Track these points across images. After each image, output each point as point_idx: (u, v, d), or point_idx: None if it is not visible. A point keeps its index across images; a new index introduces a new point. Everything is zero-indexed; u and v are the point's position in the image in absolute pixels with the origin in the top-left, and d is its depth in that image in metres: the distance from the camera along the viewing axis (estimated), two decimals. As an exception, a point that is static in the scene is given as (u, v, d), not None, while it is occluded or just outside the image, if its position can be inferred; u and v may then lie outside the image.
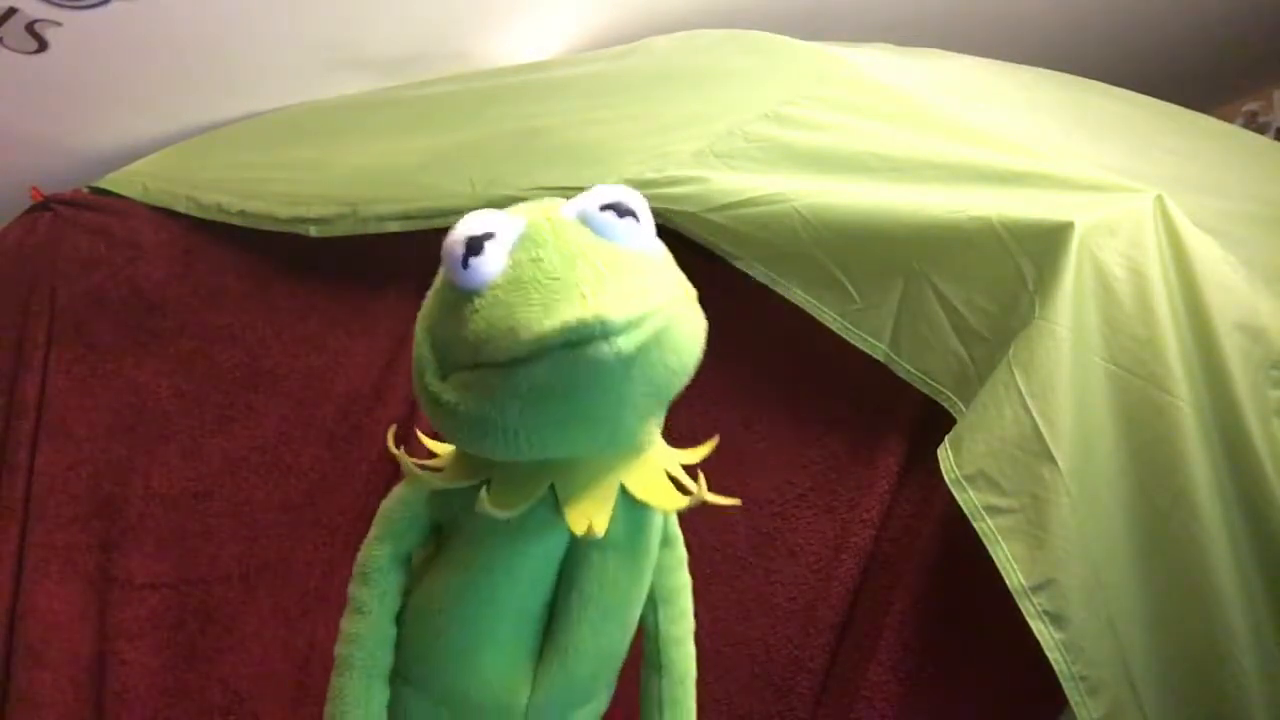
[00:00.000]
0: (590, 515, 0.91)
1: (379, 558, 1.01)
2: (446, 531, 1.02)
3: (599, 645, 1.02)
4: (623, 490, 0.94)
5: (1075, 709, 1.01)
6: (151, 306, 1.64)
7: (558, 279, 0.84)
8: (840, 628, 1.22)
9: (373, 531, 1.02)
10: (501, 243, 0.87)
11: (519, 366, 0.83)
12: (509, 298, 0.85)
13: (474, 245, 0.87)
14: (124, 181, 1.72)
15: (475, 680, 1.00)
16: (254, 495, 1.56)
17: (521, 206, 0.94)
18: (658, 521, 1.03)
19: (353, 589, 1.01)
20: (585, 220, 0.89)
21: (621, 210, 0.89)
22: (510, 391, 0.85)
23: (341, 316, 1.59)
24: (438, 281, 0.94)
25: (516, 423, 0.87)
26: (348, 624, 1.00)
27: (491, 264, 0.86)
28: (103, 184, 1.73)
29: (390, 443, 1.02)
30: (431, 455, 1.08)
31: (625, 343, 0.81)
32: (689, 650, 1.10)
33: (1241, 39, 2.16)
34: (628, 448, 0.95)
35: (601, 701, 1.09)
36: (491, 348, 0.85)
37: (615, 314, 0.81)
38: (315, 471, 1.54)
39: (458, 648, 1.00)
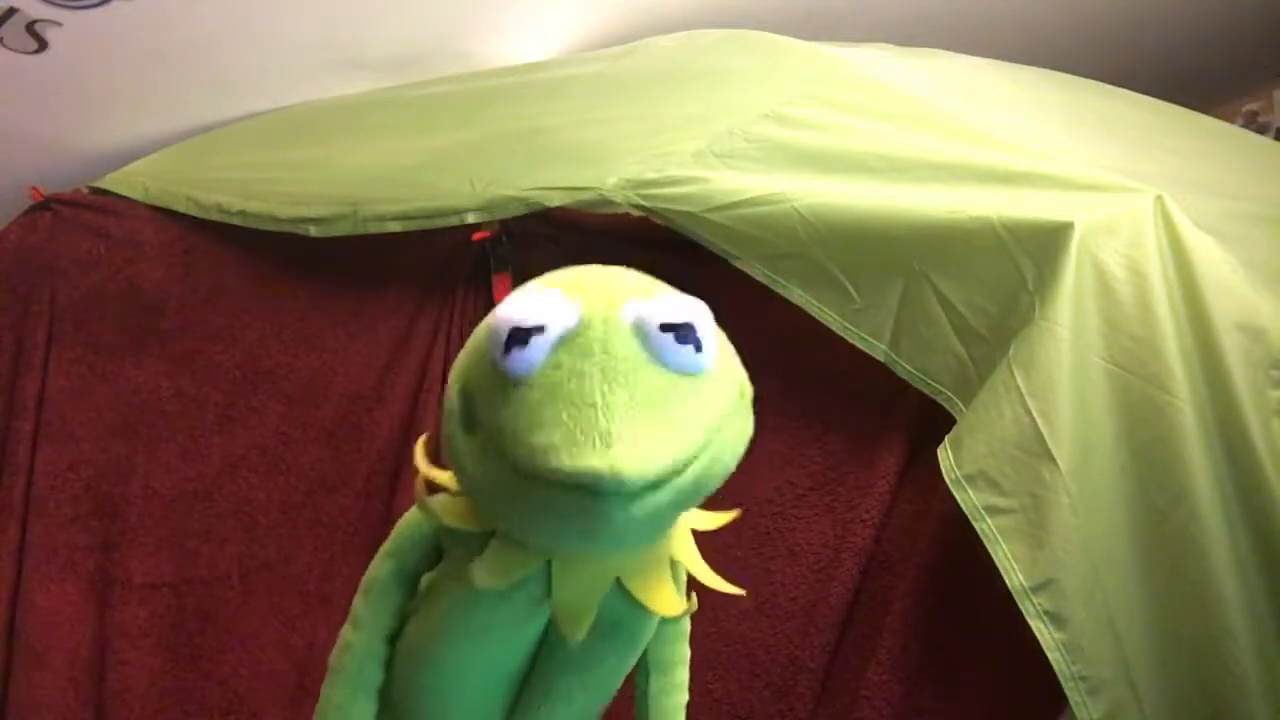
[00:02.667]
0: (576, 618, 0.89)
1: (381, 574, 1.00)
2: (446, 564, 1.00)
3: (573, 710, 1.00)
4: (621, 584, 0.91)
5: (1075, 709, 1.01)
6: (151, 306, 1.64)
7: (592, 405, 0.77)
8: (840, 628, 1.22)
9: (384, 545, 1.02)
10: (549, 337, 0.80)
11: (534, 482, 0.78)
12: (540, 408, 0.79)
13: (520, 335, 0.80)
14: (124, 181, 1.72)
15: None
16: (254, 495, 1.56)
17: (583, 281, 0.86)
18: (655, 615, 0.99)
19: (355, 600, 1.01)
20: (642, 335, 0.81)
21: (683, 336, 0.81)
22: (520, 494, 0.81)
23: (341, 316, 1.59)
24: (479, 337, 0.88)
25: (520, 520, 0.85)
26: (345, 633, 1.00)
27: (534, 358, 0.80)
28: (103, 184, 1.73)
29: (419, 459, 0.99)
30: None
31: (639, 507, 0.77)
32: None
33: (1241, 39, 2.16)
34: (636, 549, 0.91)
35: None
36: (511, 450, 0.80)
37: (635, 471, 0.75)
38: (315, 471, 1.54)
39: (432, 690, 0.99)
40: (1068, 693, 1.01)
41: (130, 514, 1.57)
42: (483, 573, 0.89)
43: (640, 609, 0.93)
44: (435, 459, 0.99)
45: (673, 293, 0.86)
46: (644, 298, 0.84)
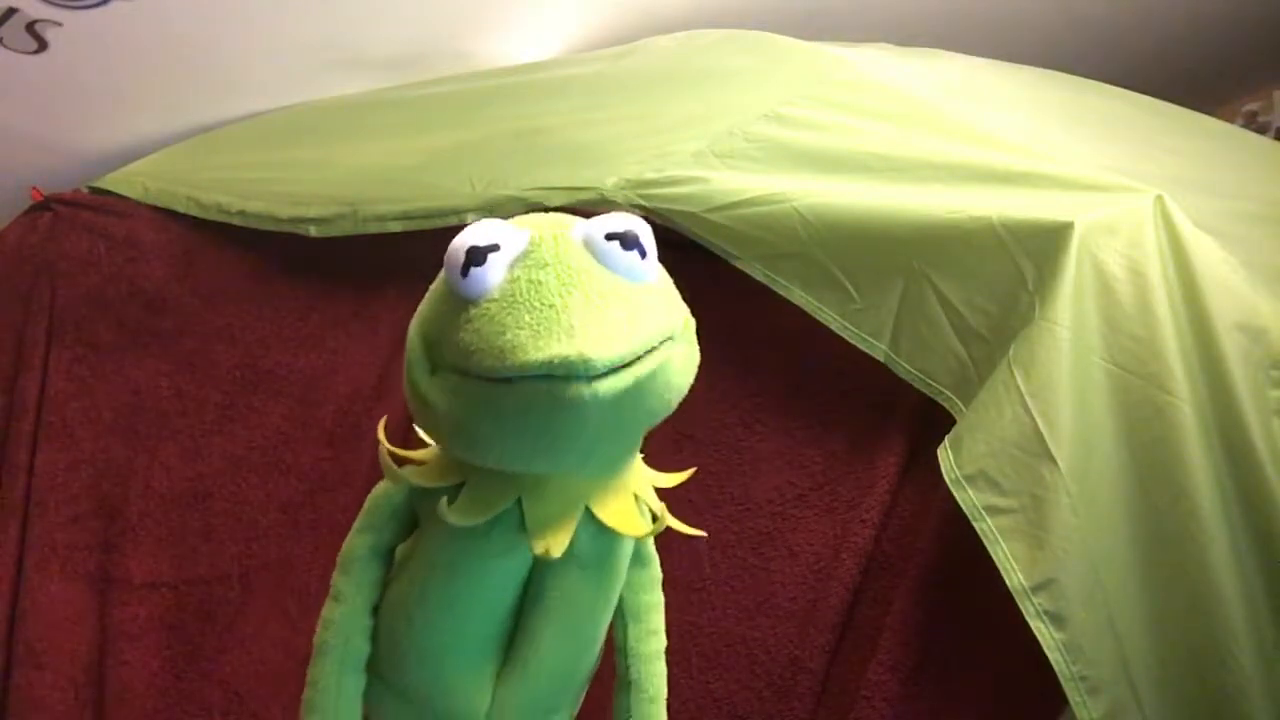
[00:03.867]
0: (550, 537, 0.92)
1: (358, 548, 1.02)
2: (423, 528, 1.03)
3: (560, 659, 1.02)
4: (591, 513, 0.95)
5: (1075, 709, 1.01)
6: (151, 306, 1.64)
7: (551, 306, 0.84)
8: (840, 628, 1.22)
9: (356, 522, 1.04)
10: (504, 256, 0.87)
11: (501, 385, 0.84)
12: (502, 315, 0.85)
13: (476, 255, 0.86)
14: (124, 181, 1.72)
15: (436, 683, 1.01)
16: (254, 495, 1.56)
17: (531, 218, 0.94)
18: (628, 543, 1.03)
19: (334, 577, 1.03)
20: (590, 246, 0.89)
21: (627, 242, 0.88)
22: (490, 406, 0.86)
23: (341, 316, 1.59)
24: (437, 282, 0.94)
25: (492, 435, 0.88)
26: (326, 611, 1.02)
27: (492, 276, 0.87)
28: (103, 184, 1.73)
29: (381, 434, 1.03)
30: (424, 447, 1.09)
31: (604, 387, 0.82)
32: (659, 669, 1.10)
33: (1241, 39, 2.16)
34: (600, 472, 0.95)
35: (564, 715, 1.10)
36: (478, 361, 0.85)
37: (599, 355, 0.81)
38: (315, 471, 1.54)
39: (420, 649, 1.01)
40: (1068, 693, 1.01)
41: (130, 514, 1.57)
42: (457, 512, 0.93)
43: (609, 541, 0.99)
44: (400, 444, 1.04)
45: (613, 213, 0.93)
46: (586, 220, 0.92)
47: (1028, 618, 1.02)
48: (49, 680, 1.51)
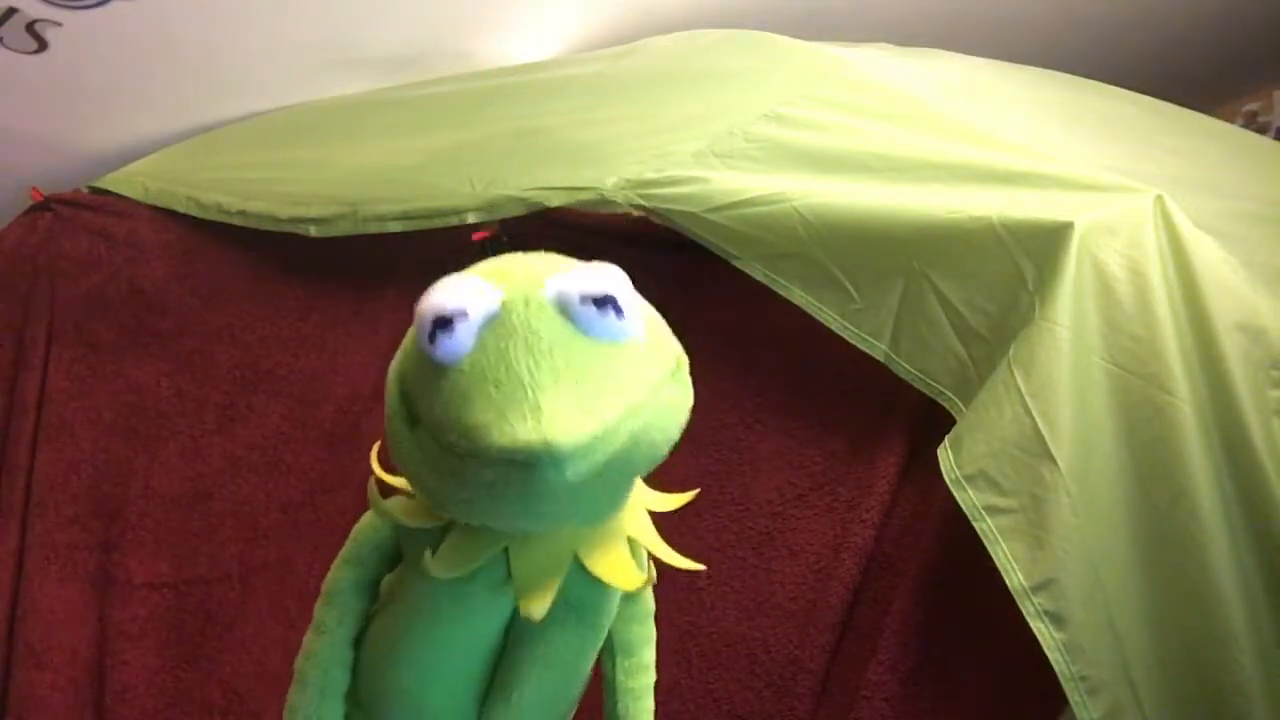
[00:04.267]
0: (537, 598, 0.90)
1: (342, 580, 1.02)
2: (406, 564, 1.01)
3: (544, 697, 1.01)
4: (579, 561, 0.93)
5: (1075, 709, 1.01)
6: (151, 306, 1.64)
7: (519, 382, 0.80)
8: (840, 628, 1.22)
9: (341, 552, 1.03)
10: (472, 324, 0.83)
11: (472, 462, 0.81)
12: (470, 389, 0.82)
13: (443, 323, 0.83)
14: (124, 181, 1.72)
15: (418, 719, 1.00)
16: (254, 495, 1.56)
17: (507, 267, 0.90)
18: (617, 591, 1.01)
19: (316, 607, 1.02)
20: (564, 309, 0.84)
21: (602, 304, 0.83)
22: (464, 478, 0.84)
23: (341, 316, 1.59)
24: (411, 335, 0.91)
25: (469, 503, 0.87)
26: (308, 641, 1.02)
27: (460, 344, 0.83)
28: (103, 184, 1.73)
29: (374, 462, 1.01)
30: None
31: (574, 473, 0.79)
32: (647, 705, 1.08)
33: (1241, 39, 2.16)
34: (589, 523, 0.93)
35: None
36: (447, 436, 0.83)
37: (565, 440, 0.78)
38: (315, 471, 1.54)
39: (402, 687, 1.00)
40: (1068, 693, 1.01)
41: (130, 514, 1.57)
42: (439, 564, 0.91)
43: (599, 585, 0.96)
44: (389, 466, 1.01)
45: (590, 266, 0.88)
46: (563, 274, 0.86)
47: (1028, 618, 1.01)
48: (49, 680, 1.51)
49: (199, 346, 1.62)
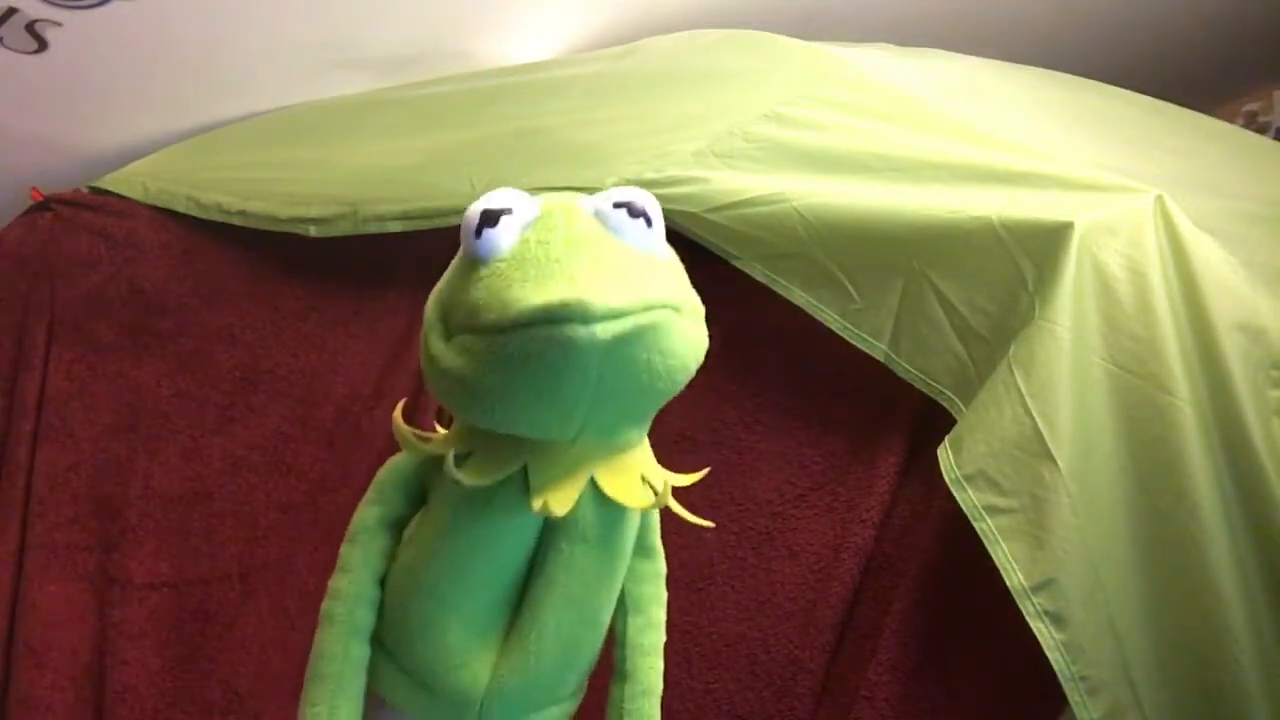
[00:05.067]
0: (553, 496, 0.94)
1: (366, 519, 1.04)
2: (431, 499, 1.04)
3: (562, 637, 1.02)
4: (596, 486, 0.96)
5: (1075, 709, 1.01)
6: (151, 306, 1.64)
7: (557, 261, 0.87)
8: (840, 628, 1.22)
9: (366, 495, 1.05)
10: (516, 220, 0.91)
11: (502, 335, 0.87)
12: (510, 271, 0.88)
13: (490, 217, 0.91)
14: (124, 181, 1.72)
15: (438, 654, 1.01)
16: (254, 495, 1.56)
17: (544, 194, 0.96)
18: (633, 522, 1.04)
19: (342, 548, 1.04)
20: (599, 216, 0.92)
21: (634, 210, 0.92)
22: (491, 358, 0.88)
23: (341, 316, 1.59)
24: (456, 257, 0.98)
25: (493, 389, 0.90)
26: (333, 581, 1.03)
27: (503, 238, 0.90)
28: (103, 184, 1.73)
29: (398, 413, 1.04)
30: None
31: (603, 329, 0.84)
32: (655, 664, 1.09)
33: (1241, 39, 2.16)
34: (604, 441, 0.96)
35: (567, 703, 1.09)
36: (484, 315, 0.88)
37: (598, 299, 0.84)
38: (315, 471, 1.54)
39: (424, 618, 1.01)
40: (1068, 693, 1.01)
41: (130, 514, 1.57)
42: (468, 472, 0.94)
43: (614, 513, 1.00)
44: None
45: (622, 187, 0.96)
46: (595, 195, 0.95)
47: (1028, 618, 1.01)
48: (49, 680, 1.51)
49: (199, 346, 1.62)
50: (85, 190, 1.74)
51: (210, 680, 1.50)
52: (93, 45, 1.64)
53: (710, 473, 1.30)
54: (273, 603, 1.51)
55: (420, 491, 1.05)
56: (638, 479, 0.99)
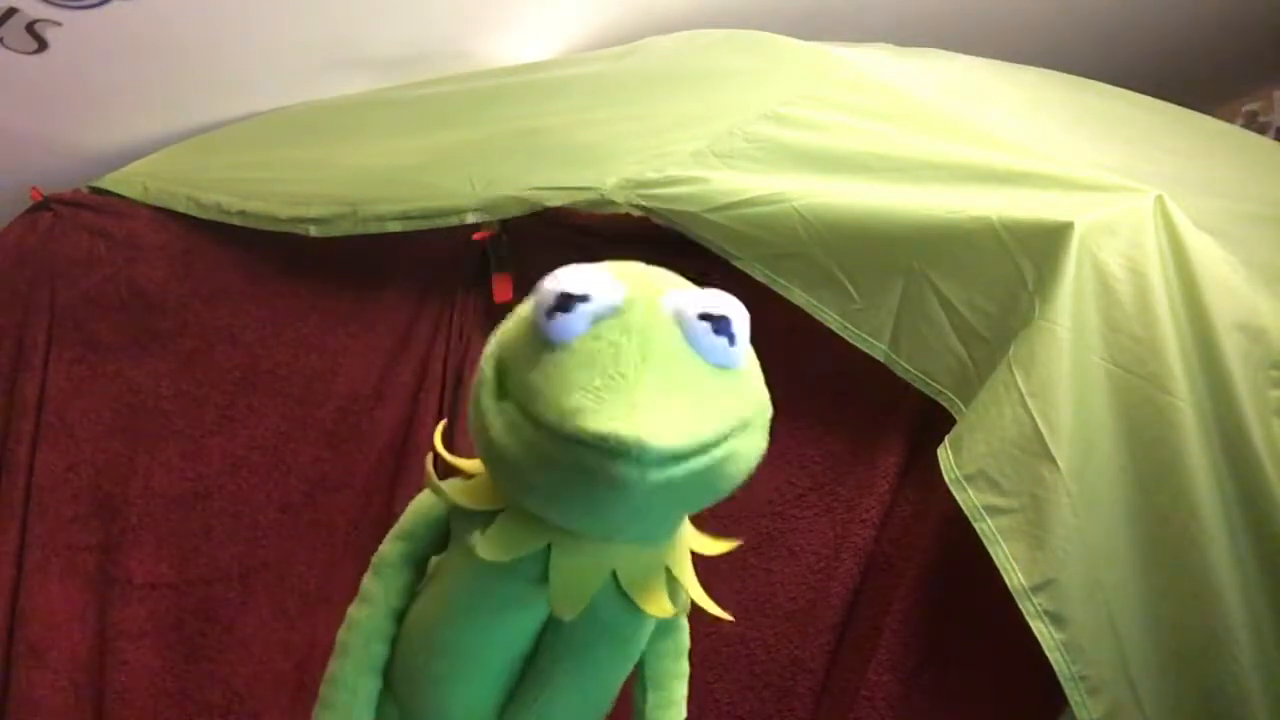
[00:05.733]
0: (568, 599, 0.91)
1: (391, 554, 1.02)
2: (453, 546, 1.01)
3: (568, 712, 1.01)
4: (617, 579, 0.93)
5: (1075, 709, 1.01)
6: (151, 306, 1.64)
7: (624, 376, 0.81)
8: (840, 628, 1.22)
9: (395, 527, 1.04)
10: (593, 309, 0.84)
11: (559, 439, 0.81)
12: (575, 370, 0.82)
13: (565, 303, 0.84)
14: (124, 181, 1.72)
15: (443, 712, 1.01)
16: (254, 495, 1.55)
17: (630, 272, 0.90)
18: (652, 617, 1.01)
19: (364, 579, 1.03)
20: (680, 321, 0.85)
21: (719, 326, 0.85)
22: (541, 454, 0.83)
23: (341, 316, 1.59)
24: (525, 309, 0.91)
25: (538, 482, 0.86)
26: (353, 610, 1.02)
27: (575, 326, 0.84)
28: (103, 184, 1.73)
29: (438, 440, 1.02)
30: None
31: (654, 475, 0.79)
32: None
33: (1241, 39, 2.16)
34: (639, 541, 0.93)
35: None
36: (540, 409, 0.83)
37: (656, 441, 0.78)
38: (315, 471, 1.54)
39: (432, 672, 1.00)
40: (1068, 693, 1.01)
41: (130, 514, 1.57)
42: (486, 545, 0.91)
43: (634, 610, 0.95)
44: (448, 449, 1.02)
45: (712, 290, 0.90)
46: (685, 289, 0.89)
47: (1028, 618, 1.02)
48: (49, 680, 1.51)
49: (199, 346, 1.62)
50: (85, 190, 1.74)
51: (210, 680, 1.50)
52: (93, 45, 1.64)
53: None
54: (273, 603, 1.51)
55: (447, 531, 1.02)
56: (661, 579, 0.95)
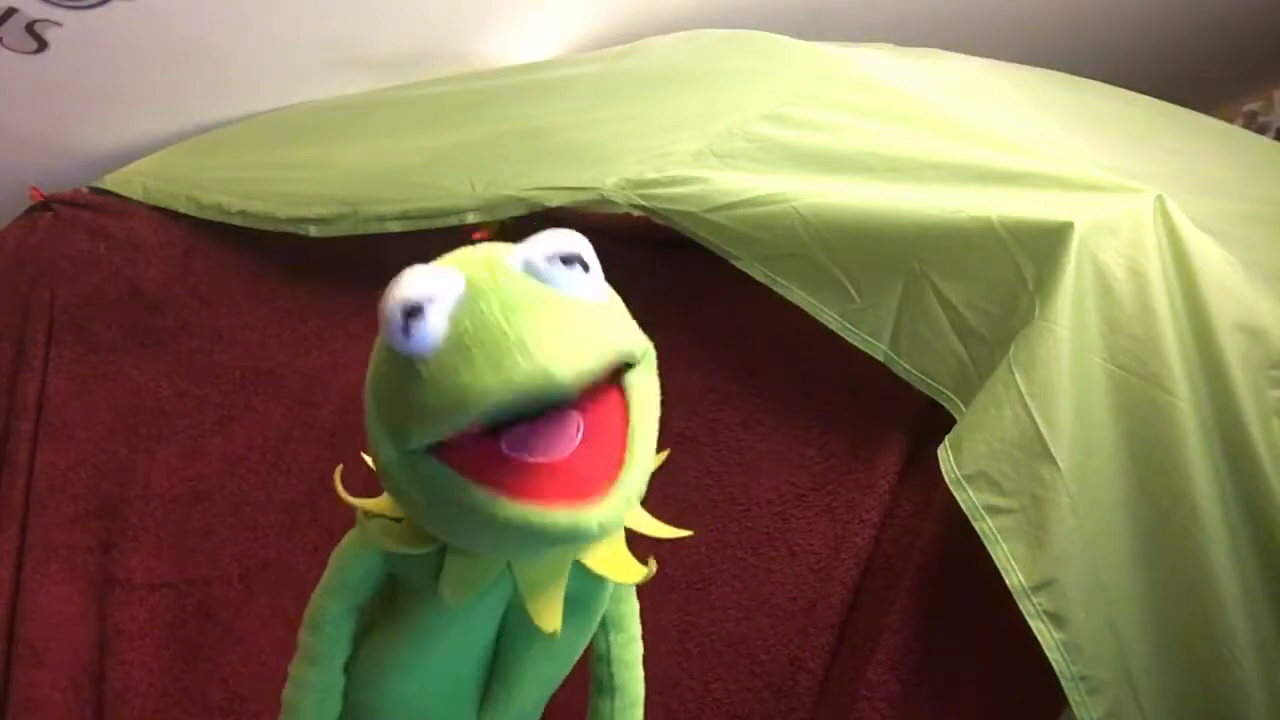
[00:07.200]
0: (547, 608, 0.90)
1: (330, 609, 0.99)
2: (400, 584, 1.00)
3: (540, 683, 1.03)
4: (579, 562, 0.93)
5: (1075, 709, 1.01)
6: (151, 306, 1.64)
7: (501, 333, 0.79)
8: (840, 628, 1.22)
9: (326, 579, 1.00)
10: (442, 306, 0.82)
11: (492, 527, 0.81)
12: (453, 362, 0.80)
13: (412, 311, 0.81)
14: (124, 181, 1.72)
15: None
16: (254, 495, 1.55)
17: (463, 256, 0.89)
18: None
19: (303, 636, 1.00)
20: (530, 270, 0.84)
21: (568, 259, 0.84)
22: (456, 501, 0.82)
23: (341, 316, 1.59)
24: (379, 344, 0.88)
25: (463, 528, 0.86)
26: (297, 671, 1.00)
27: (434, 329, 0.81)
28: (103, 184, 1.73)
29: (339, 487, 1.00)
30: None
31: (610, 522, 0.80)
32: (639, 675, 1.10)
33: (1241, 39, 2.16)
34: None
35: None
36: (443, 421, 0.81)
37: (563, 370, 0.77)
38: (315, 471, 1.54)
39: (401, 696, 1.00)
40: (1068, 693, 1.01)
41: (130, 514, 1.57)
42: (451, 590, 0.90)
43: (597, 579, 0.97)
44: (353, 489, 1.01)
45: (549, 231, 0.88)
46: (522, 245, 0.86)
47: (1028, 618, 1.01)
48: (49, 680, 1.51)
49: (199, 346, 1.62)
50: (85, 190, 1.74)
51: (210, 680, 1.50)
52: (93, 45, 1.64)
53: (710, 473, 1.30)
54: (273, 603, 1.51)
55: (384, 575, 1.00)
56: (623, 545, 0.95)
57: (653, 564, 0.95)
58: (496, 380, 0.77)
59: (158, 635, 1.53)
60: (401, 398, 0.83)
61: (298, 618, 1.49)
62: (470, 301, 0.81)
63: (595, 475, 0.81)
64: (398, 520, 0.96)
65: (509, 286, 0.82)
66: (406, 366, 0.82)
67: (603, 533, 0.80)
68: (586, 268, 0.85)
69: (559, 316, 0.81)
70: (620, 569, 0.94)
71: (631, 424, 0.84)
